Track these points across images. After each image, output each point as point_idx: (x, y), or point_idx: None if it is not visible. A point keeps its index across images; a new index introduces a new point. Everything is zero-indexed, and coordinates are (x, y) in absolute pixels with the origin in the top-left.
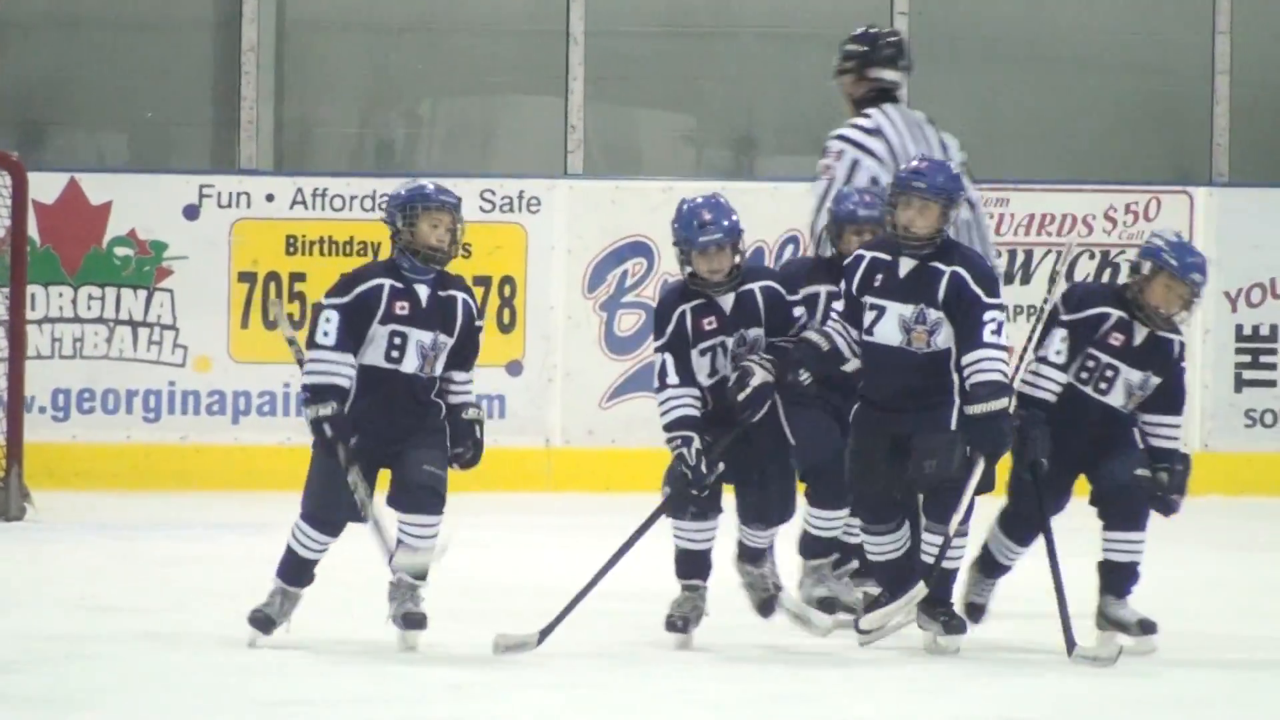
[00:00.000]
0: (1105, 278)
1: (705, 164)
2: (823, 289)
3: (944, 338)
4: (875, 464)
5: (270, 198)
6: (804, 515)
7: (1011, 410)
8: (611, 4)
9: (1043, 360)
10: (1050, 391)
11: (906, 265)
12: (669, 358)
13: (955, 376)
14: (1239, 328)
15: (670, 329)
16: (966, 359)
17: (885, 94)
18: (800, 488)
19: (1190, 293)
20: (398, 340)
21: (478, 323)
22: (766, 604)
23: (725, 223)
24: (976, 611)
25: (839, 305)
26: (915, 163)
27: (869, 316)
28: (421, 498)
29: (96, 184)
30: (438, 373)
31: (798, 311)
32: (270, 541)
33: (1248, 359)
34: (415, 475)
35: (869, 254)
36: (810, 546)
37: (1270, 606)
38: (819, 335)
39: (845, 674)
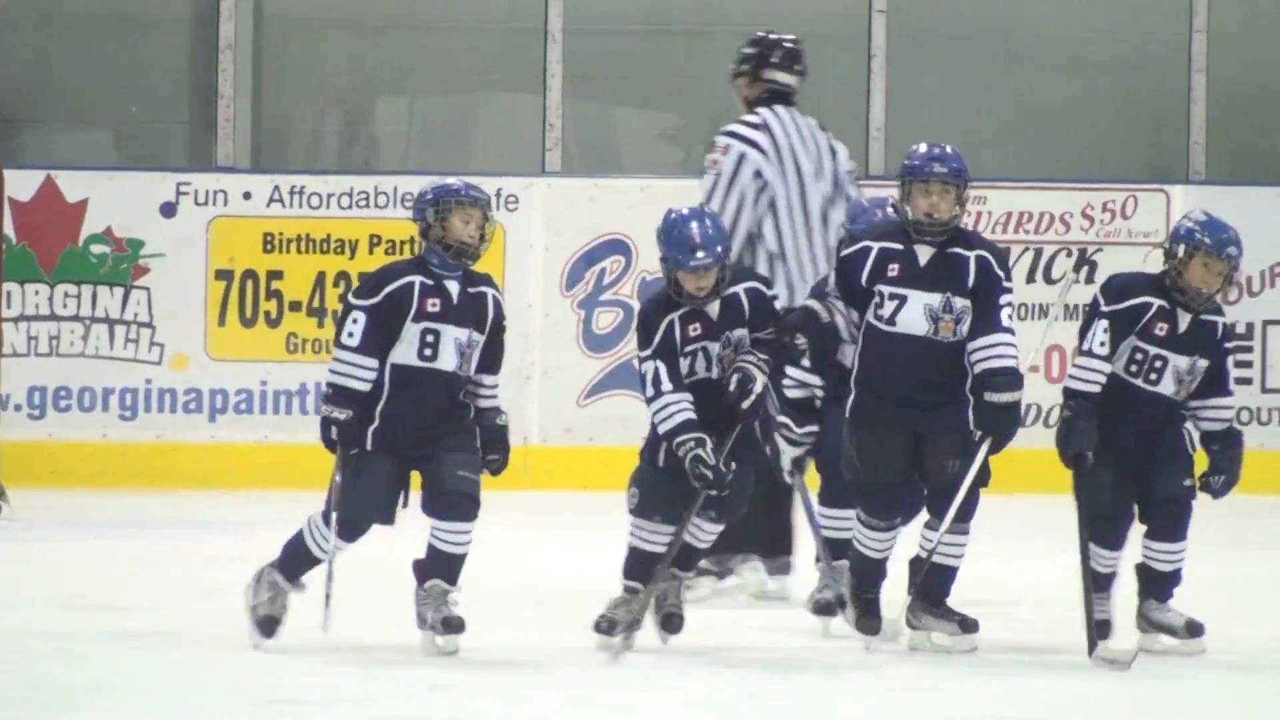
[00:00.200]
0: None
1: (683, 162)
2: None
3: (966, 326)
4: (894, 460)
5: (247, 195)
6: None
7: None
8: (590, 2)
9: (1086, 353)
10: (1096, 383)
11: (925, 253)
12: (660, 365)
13: (967, 368)
14: None
15: (659, 339)
16: (983, 341)
17: (780, 96)
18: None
19: (1229, 266)
20: (430, 338)
21: (505, 322)
22: (672, 620)
23: (717, 247)
24: (1105, 628)
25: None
26: (924, 149)
27: (889, 306)
28: (458, 504)
29: (73, 181)
30: (473, 371)
31: (779, 305)
32: (248, 539)
33: None
34: (451, 482)
35: (877, 244)
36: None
37: (1250, 603)
38: (821, 306)
39: (832, 673)
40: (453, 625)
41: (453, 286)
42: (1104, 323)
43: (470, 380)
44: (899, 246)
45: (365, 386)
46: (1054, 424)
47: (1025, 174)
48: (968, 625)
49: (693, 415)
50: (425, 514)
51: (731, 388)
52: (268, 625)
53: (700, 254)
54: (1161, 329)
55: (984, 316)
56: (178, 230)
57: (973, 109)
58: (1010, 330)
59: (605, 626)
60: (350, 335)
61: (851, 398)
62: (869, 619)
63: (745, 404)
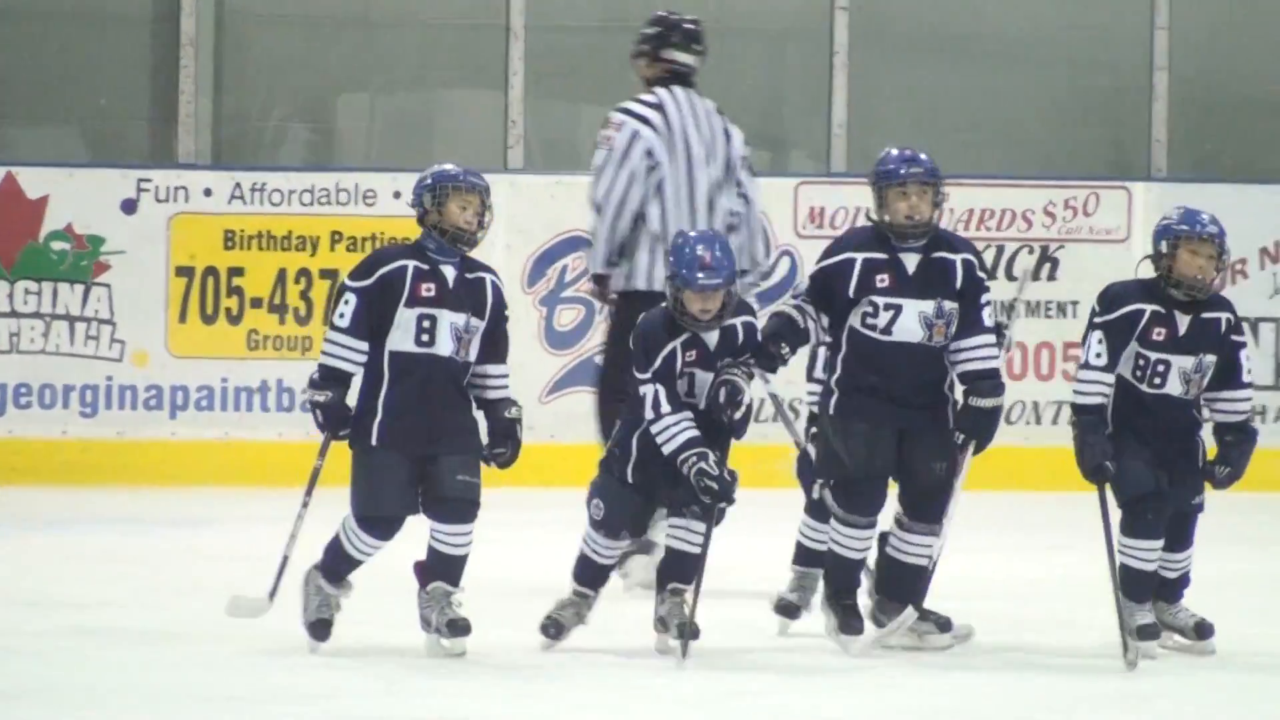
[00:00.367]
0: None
1: None
2: None
3: (954, 328)
4: (883, 452)
5: (208, 192)
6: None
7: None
8: None
9: (1084, 366)
10: (1099, 395)
11: (911, 260)
12: (660, 389)
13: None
14: None
15: (660, 363)
16: (966, 343)
17: (679, 77)
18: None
19: (1215, 248)
20: (427, 323)
21: (507, 311)
22: (689, 631)
23: (727, 269)
24: (1153, 630)
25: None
26: (895, 152)
27: (885, 317)
28: (457, 509)
29: (33, 178)
30: (472, 358)
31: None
32: (208, 536)
33: None
34: (451, 489)
35: (860, 255)
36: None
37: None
38: (795, 311)
39: (809, 672)
40: (459, 628)
41: (449, 271)
42: (1098, 334)
43: (476, 373)
44: (883, 256)
45: (354, 369)
46: (1015, 421)
47: (987, 170)
48: (943, 624)
49: (696, 433)
50: (425, 515)
51: (721, 399)
52: (318, 629)
53: (711, 274)
54: (1159, 333)
55: (968, 317)
56: (139, 227)
57: (935, 106)
58: (991, 330)
59: (553, 631)
60: (341, 316)
61: (835, 397)
62: (851, 621)
63: (736, 415)
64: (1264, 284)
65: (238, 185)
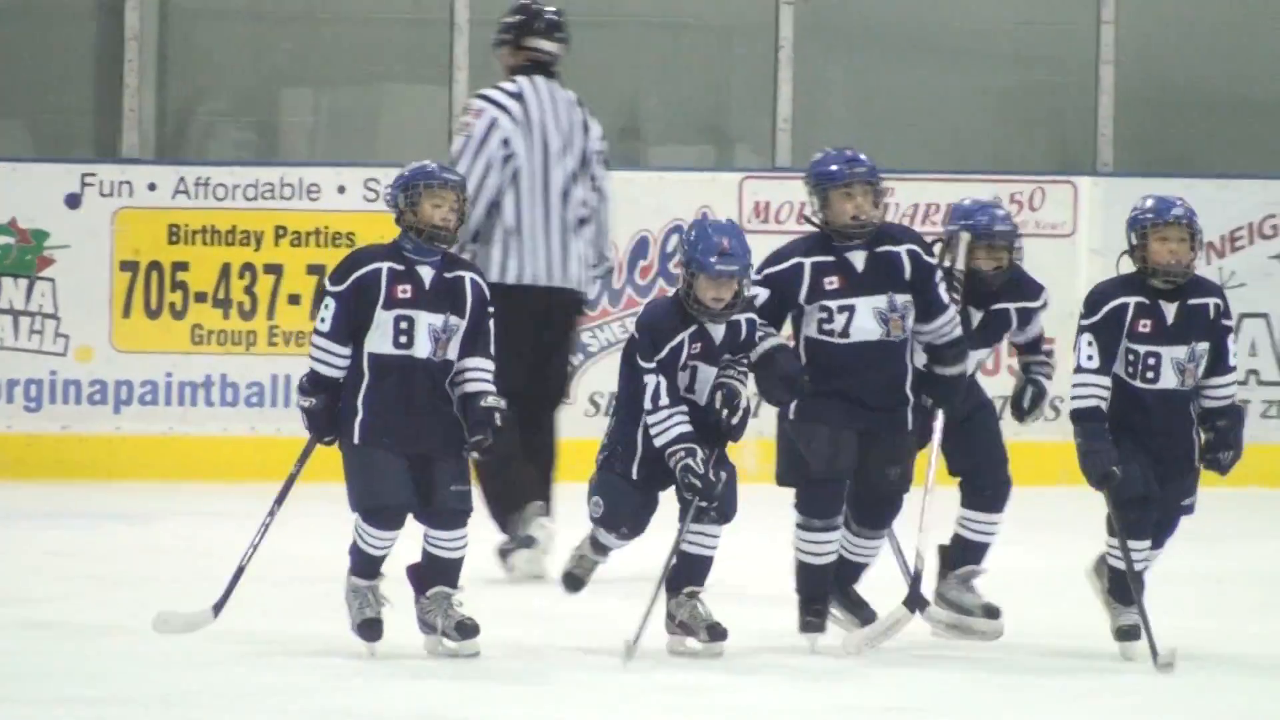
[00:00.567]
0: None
1: None
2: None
3: (911, 321)
4: (845, 453)
5: (153, 187)
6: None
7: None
8: None
9: (1077, 370)
10: (1094, 397)
11: (859, 258)
12: (661, 380)
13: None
14: None
15: (666, 353)
16: (934, 323)
17: (541, 66)
18: None
19: (1186, 230)
20: (404, 325)
21: (490, 308)
22: (717, 630)
23: (745, 257)
24: (1134, 632)
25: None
26: (834, 152)
27: (840, 320)
28: (451, 518)
29: None
30: (452, 357)
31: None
32: (152, 531)
33: None
34: (444, 500)
35: (808, 260)
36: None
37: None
38: (781, 340)
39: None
40: (468, 629)
41: (426, 272)
42: (1087, 337)
43: (457, 368)
44: (830, 258)
45: (337, 373)
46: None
47: (932, 166)
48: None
49: (688, 428)
50: (419, 522)
51: (718, 404)
52: (366, 629)
53: (729, 259)
54: (1145, 325)
55: (925, 302)
56: (83, 221)
57: (880, 100)
58: (950, 305)
59: (574, 585)
60: (323, 321)
61: (796, 402)
62: (816, 622)
63: (734, 420)
64: (1211, 278)
65: (182, 180)
